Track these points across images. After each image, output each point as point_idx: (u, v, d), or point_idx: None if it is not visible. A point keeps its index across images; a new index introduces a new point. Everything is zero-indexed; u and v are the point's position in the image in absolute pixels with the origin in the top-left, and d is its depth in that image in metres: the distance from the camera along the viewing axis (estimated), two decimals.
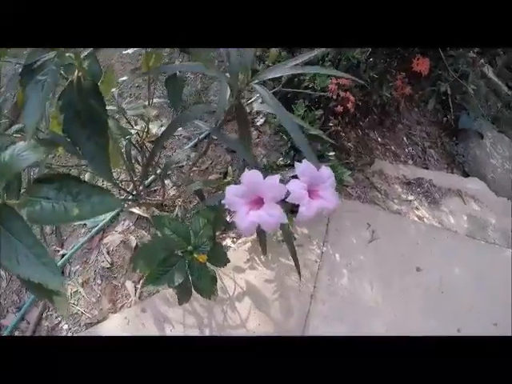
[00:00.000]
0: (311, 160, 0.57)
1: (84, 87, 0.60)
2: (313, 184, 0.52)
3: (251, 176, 0.51)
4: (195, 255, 0.86)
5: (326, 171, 0.54)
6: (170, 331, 1.31)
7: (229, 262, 0.94)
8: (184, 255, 0.88)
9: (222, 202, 0.52)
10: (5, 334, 1.40)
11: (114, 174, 1.70)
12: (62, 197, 0.49)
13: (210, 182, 0.93)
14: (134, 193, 0.91)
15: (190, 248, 0.87)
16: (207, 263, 0.91)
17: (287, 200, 0.50)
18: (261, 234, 0.83)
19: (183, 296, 0.88)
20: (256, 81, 0.60)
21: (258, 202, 0.51)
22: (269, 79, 0.60)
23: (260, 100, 1.38)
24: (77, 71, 0.63)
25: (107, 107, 1.01)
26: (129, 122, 1.37)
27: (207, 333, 1.31)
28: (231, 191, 0.52)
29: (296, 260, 0.75)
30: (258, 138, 1.86)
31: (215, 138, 0.83)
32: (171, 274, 0.83)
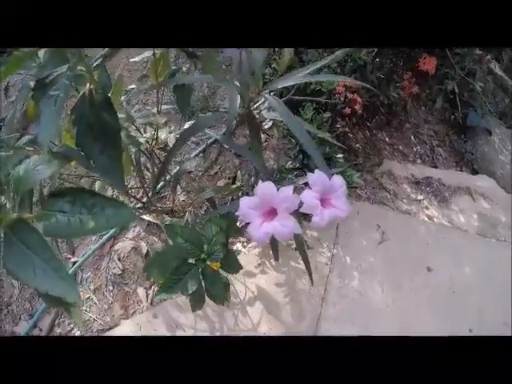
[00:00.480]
0: (322, 167, 0.57)
1: (96, 100, 0.59)
2: (325, 193, 0.52)
3: (265, 188, 0.51)
4: (208, 263, 0.86)
5: (337, 180, 0.54)
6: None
7: (241, 268, 0.94)
8: (197, 263, 0.88)
9: (236, 213, 0.52)
10: None
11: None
12: (77, 210, 0.49)
13: (220, 190, 0.93)
14: (145, 200, 0.91)
15: (203, 256, 0.88)
16: (220, 270, 0.91)
17: (300, 210, 0.51)
18: (273, 241, 0.82)
19: (196, 303, 0.88)
20: (267, 90, 0.60)
21: (272, 213, 0.51)
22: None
23: (266, 104, 1.38)
24: (88, 84, 0.63)
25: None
26: (138, 130, 1.38)
27: None
28: (245, 203, 0.52)
29: (308, 266, 0.75)
30: (266, 141, 1.85)
31: (226, 145, 0.82)
32: (184, 282, 0.83)
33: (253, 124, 0.63)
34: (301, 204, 0.50)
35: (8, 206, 0.51)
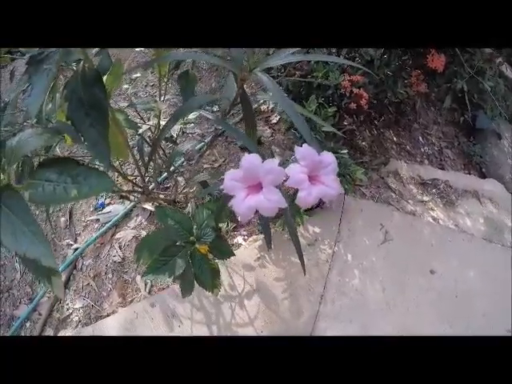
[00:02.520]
0: (311, 142, 0.54)
1: (87, 76, 0.59)
2: (314, 169, 0.50)
3: (250, 159, 0.48)
4: (197, 246, 0.84)
5: (327, 156, 0.51)
6: (178, 327, 1.29)
7: (233, 254, 0.91)
8: (186, 246, 0.85)
9: (221, 187, 0.49)
10: (16, 324, 1.41)
11: (129, 169, 1.70)
12: (62, 179, 0.51)
13: (217, 174, 0.90)
14: (142, 185, 0.89)
15: (192, 239, 0.85)
16: (212, 257, 0.88)
17: (286, 184, 0.48)
18: (264, 227, 0.80)
19: (186, 288, 0.86)
20: (259, 68, 0.57)
21: (257, 187, 0.48)
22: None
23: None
24: (82, 62, 0.62)
25: (120, 103, 1.01)
26: (142, 119, 1.36)
27: (215, 329, 1.28)
28: (229, 175, 0.49)
29: (300, 254, 0.72)
30: (271, 136, 1.83)
31: (219, 127, 0.80)
32: (172, 264, 0.81)
33: (246, 104, 0.61)
34: (287, 178, 0.47)
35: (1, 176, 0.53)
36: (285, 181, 0.47)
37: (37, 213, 1.66)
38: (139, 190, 0.91)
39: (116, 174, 1.51)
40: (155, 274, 0.79)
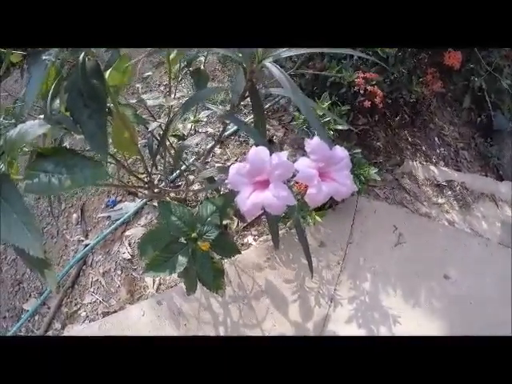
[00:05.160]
0: (322, 136, 0.49)
1: (87, 68, 0.57)
2: (325, 165, 0.45)
3: (257, 153, 0.43)
4: (199, 243, 0.79)
5: (340, 151, 0.46)
6: (184, 325, 1.25)
7: (239, 253, 0.86)
8: (188, 242, 0.81)
9: (226, 181, 0.45)
10: (25, 317, 1.40)
11: (141, 167, 1.67)
12: (58, 170, 0.50)
13: (224, 169, 0.85)
14: (147, 181, 0.85)
15: (194, 235, 0.81)
16: (216, 255, 0.83)
17: (294, 179, 0.43)
18: (272, 226, 0.75)
19: (190, 286, 0.81)
20: (269, 60, 0.52)
21: (265, 184, 0.43)
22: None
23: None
24: (83, 53, 0.59)
25: (130, 100, 0.98)
26: (152, 116, 1.33)
27: (221, 330, 1.24)
28: (234, 169, 0.44)
29: (308, 254, 0.67)
30: (284, 135, 1.78)
31: (227, 121, 0.76)
32: (173, 261, 0.77)
33: (255, 97, 0.56)
34: (296, 173, 0.42)
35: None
36: (293, 176, 0.42)
37: (48, 209, 1.64)
38: (145, 186, 0.87)
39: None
40: (156, 270, 0.75)
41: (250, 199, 0.43)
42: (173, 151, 1.32)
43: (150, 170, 0.89)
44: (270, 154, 0.43)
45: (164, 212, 0.79)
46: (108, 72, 0.64)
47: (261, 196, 0.43)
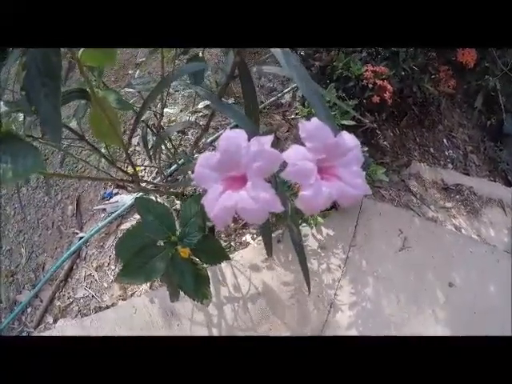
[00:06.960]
0: (326, 119, 0.36)
1: None
2: (327, 157, 0.32)
3: (229, 137, 0.30)
4: (179, 247, 0.69)
5: (347, 138, 0.33)
6: (176, 325, 1.17)
7: (228, 259, 0.75)
8: (166, 246, 0.70)
9: (191, 177, 0.33)
10: (17, 309, 1.34)
11: (139, 160, 1.59)
12: (5, 159, 0.43)
13: None
14: (132, 173, 0.77)
15: (173, 238, 0.70)
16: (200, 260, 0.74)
17: (284, 176, 0.30)
18: (263, 229, 0.66)
19: (173, 292, 0.73)
20: None
21: (241, 180, 0.31)
22: None
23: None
24: None
25: (124, 89, 0.90)
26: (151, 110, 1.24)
27: (215, 332, 1.16)
28: (202, 161, 0.32)
29: (305, 267, 0.59)
30: (287, 131, 1.70)
31: (213, 105, 0.67)
32: (150, 267, 0.66)
33: (245, 76, 0.47)
34: (284, 167, 0.29)
35: None
36: (280, 171, 0.30)
37: (45, 200, 1.57)
38: (129, 178, 0.79)
39: (124, 162, 1.40)
40: (129, 277, 0.65)
41: (219, 201, 0.31)
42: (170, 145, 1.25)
43: (133, 161, 0.81)
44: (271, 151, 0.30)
45: (141, 209, 0.69)
46: (81, 50, 0.56)
47: (234, 197, 0.30)
